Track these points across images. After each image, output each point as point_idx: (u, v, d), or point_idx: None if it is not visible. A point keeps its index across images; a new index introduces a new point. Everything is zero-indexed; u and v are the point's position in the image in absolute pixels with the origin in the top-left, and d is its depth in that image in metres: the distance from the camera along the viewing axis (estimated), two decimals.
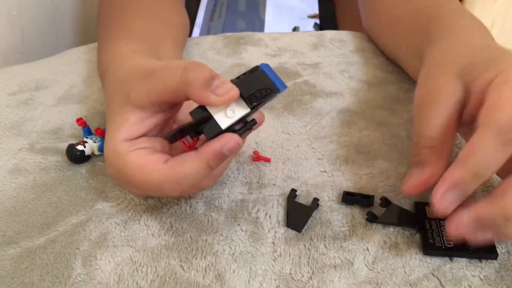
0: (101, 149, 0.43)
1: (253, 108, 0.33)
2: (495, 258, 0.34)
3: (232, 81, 0.33)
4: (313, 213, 0.38)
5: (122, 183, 0.37)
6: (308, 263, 0.35)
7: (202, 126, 0.33)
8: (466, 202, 0.31)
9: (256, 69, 0.33)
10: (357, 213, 0.38)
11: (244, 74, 0.33)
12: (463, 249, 0.34)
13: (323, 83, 0.52)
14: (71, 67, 0.57)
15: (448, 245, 0.35)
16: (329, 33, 0.60)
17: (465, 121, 0.34)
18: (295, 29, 0.80)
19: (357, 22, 0.84)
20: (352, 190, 0.40)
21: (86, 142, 0.43)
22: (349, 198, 0.39)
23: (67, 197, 0.40)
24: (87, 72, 0.56)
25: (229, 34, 0.61)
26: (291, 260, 0.35)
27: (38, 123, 0.48)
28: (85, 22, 0.91)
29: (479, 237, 0.31)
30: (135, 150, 0.34)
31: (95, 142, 0.43)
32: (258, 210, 0.39)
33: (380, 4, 0.55)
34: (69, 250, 0.36)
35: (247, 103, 0.33)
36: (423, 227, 0.36)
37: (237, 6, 0.83)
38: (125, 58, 0.41)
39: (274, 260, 0.35)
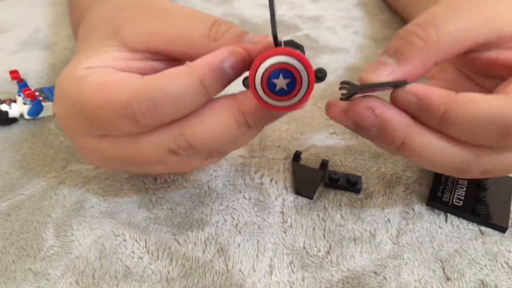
0: (31, 113, 0.35)
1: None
2: (504, 231, 0.31)
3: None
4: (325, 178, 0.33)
5: (73, 122, 0.26)
6: (324, 236, 0.30)
7: None
8: None
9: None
10: (375, 177, 0.34)
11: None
12: (471, 212, 0.31)
13: (325, 38, 0.46)
14: (35, 10, 0.49)
15: (456, 203, 0.31)
16: None
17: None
18: None
19: None
20: (366, 154, 0.35)
21: (14, 101, 0.35)
22: (331, 184, 0.33)
23: (33, 156, 0.34)
24: (53, 16, 0.48)
25: None
26: (304, 232, 0.30)
27: None
28: None
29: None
30: (98, 68, 0.25)
31: (24, 104, 0.35)
32: (262, 175, 0.33)
33: None
34: (38, 217, 0.30)
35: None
36: (438, 180, 0.33)
37: None
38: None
39: (285, 232, 0.30)
